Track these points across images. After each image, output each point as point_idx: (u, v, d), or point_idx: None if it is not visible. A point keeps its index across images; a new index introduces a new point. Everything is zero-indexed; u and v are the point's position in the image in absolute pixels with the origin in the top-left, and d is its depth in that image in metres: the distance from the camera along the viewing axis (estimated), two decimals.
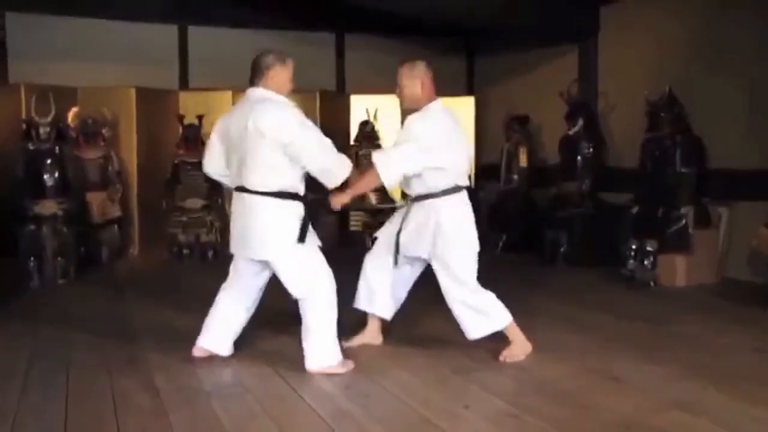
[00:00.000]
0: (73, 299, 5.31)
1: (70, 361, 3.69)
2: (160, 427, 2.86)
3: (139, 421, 2.91)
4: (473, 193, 8.33)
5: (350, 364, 3.52)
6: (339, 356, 3.50)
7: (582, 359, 3.67)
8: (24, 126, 6.11)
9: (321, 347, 3.46)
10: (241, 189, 3.41)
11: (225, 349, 3.68)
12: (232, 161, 3.46)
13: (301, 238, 3.36)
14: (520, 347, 3.72)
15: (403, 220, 3.72)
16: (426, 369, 3.56)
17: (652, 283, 5.55)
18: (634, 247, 5.67)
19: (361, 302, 3.91)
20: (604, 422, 2.84)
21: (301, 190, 3.44)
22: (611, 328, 4.35)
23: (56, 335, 4.24)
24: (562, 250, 6.52)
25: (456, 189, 3.67)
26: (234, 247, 3.55)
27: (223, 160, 3.56)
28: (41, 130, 5.98)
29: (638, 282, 5.57)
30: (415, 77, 3.66)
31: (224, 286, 3.69)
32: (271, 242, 3.37)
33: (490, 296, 3.70)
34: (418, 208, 3.67)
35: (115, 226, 6.82)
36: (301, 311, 3.46)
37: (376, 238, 3.93)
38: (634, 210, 5.82)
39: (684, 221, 5.55)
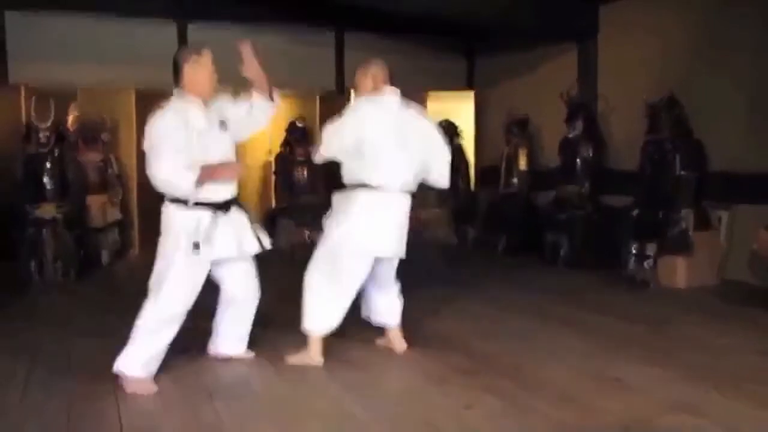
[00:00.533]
0: (73, 302, 5.30)
1: (72, 363, 3.69)
2: (162, 427, 2.86)
3: (141, 422, 2.91)
4: (473, 195, 8.28)
5: (151, 388, 3.27)
6: (145, 371, 3.30)
7: (583, 361, 3.67)
8: (24, 129, 6.11)
9: (128, 351, 3.32)
10: None
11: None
12: None
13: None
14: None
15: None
16: (428, 369, 3.56)
17: (652, 285, 5.55)
18: (634, 249, 5.68)
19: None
20: (605, 423, 2.84)
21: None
22: (612, 329, 4.35)
23: (57, 337, 4.23)
24: (562, 252, 6.52)
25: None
26: None
27: None
28: (41, 134, 5.98)
29: (639, 284, 5.57)
30: (364, 75, 3.91)
31: None
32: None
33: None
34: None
35: (116, 229, 6.82)
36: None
37: None
38: (635, 212, 5.82)
39: (684, 224, 5.56)
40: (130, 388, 3.24)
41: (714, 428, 2.80)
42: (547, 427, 2.81)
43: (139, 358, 3.29)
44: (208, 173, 3.23)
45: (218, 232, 3.31)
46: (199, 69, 3.37)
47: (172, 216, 3.32)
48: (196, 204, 3.28)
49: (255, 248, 3.50)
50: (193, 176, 3.17)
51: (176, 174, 3.18)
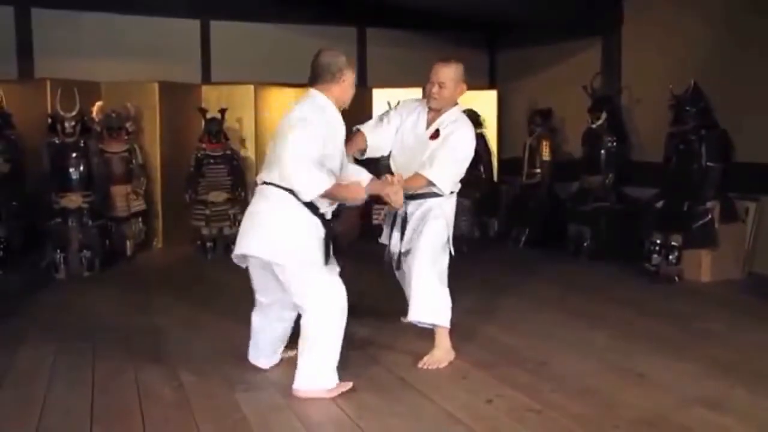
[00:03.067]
0: (98, 292, 5.36)
1: (96, 353, 3.73)
2: (183, 418, 2.89)
3: (162, 412, 2.95)
4: (496, 187, 8.27)
5: (347, 385, 3.18)
6: (335, 378, 3.16)
7: (605, 355, 3.64)
8: (49, 120, 6.18)
9: (318, 366, 3.13)
10: None
11: None
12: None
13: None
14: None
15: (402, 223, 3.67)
16: (448, 364, 3.55)
17: (676, 279, 5.49)
18: (658, 241, 5.60)
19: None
20: (627, 419, 2.82)
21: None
22: (635, 323, 4.31)
23: (82, 328, 4.29)
24: (585, 244, 6.47)
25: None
26: None
27: None
28: (66, 125, 6.04)
29: (663, 277, 5.50)
30: (462, 82, 3.66)
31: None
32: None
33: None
34: (415, 206, 3.65)
35: (140, 220, 6.87)
36: (303, 323, 3.17)
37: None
38: (659, 204, 5.75)
39: (710, 216, 5.48)
40: (333, 393, 3.12)
41: (738, 424, 2.77)
42: (569, 422, 2.79)
43: (332, 366, 3.16)
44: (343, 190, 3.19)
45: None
46: (350, 87, 3.30)
47: (305, 220, 3.14)
48: (316, 210, 3.17)
49: None
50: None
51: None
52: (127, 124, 6.84)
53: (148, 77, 7.29)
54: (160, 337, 4.05)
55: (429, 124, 3.67)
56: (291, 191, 3.08)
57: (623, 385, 3.22)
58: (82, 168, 6.05)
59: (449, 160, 3.56)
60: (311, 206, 3.13)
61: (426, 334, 4.07)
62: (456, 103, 3.70)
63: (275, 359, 3.53)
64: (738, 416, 2.83)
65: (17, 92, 6.91)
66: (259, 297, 3.40)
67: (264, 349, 3.49)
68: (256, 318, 3.46)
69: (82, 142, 6.11)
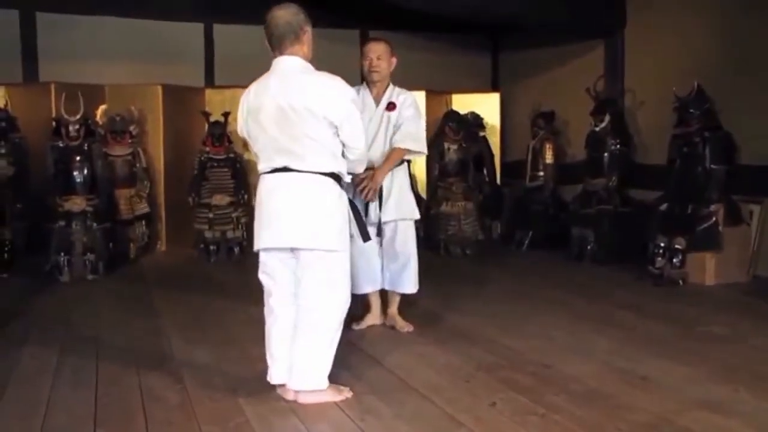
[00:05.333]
0: (101, 295, 5.38)
1: (99, 356, 3.74)
2: (186, 421, 2.89)
3: (165, 414, 2.95)
4: (499, 190, 8.27)
5: (346, 393, 3.10)
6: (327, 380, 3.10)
7: (609, 358, 3.63)
8: (54, 124, 6.20)
9: (317, 366, 3.03)
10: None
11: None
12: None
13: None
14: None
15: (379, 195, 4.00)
16: (451, 367, 3.55)
17: (680, 282, 5.47)
18: (662, 244, 5.58)
19: (360, 288, 4.12)
20: (631, 422, 2.81)
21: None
22: (639, 326, 4.30)
23: (86, 331, 4.30)
24: (588, 247, 6.45)
25: None
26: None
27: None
28: (71, 128, 6.06)
29: (667, 280, 5.48)
30: (393, 56, 4.07)
31: None
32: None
33: None
34: (394, 173, 4.06)
35: (143, 223, 6.89)
36: (308, 318, 3.02)
37: None
38: (663, 207, 5.74)
39: (714, 218, 5.46)
40: (337, 397, 3.05)
41: (743, 428, 2.75)
42: (572, 425, 2.78)
43: (330, 363, 3.07)
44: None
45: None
46: (311, 42, 3.18)
47: (339, 197, 3.01)
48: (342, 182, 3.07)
49: None
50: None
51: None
52: (131, 128, 6.86)
53: (151, 81, 7.32)
54: (164, 340, 4.06)
55: (377, 100, 4.05)
56: (332, 175, 2.97)
57: (627, 388, 3.20)
58: (86, 171, 6.08)
59: (418, 125, 4.05)
60: (340, 181, 3.02)
61: (428, 334, 4.08)
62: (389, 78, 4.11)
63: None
64: (742, 420, 2.82)
65: (22, 95, 6.94)
66: (274, 294, 3.13)
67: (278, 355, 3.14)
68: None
69: (86, 145, 6.13)
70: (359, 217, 3.25)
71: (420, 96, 8.16)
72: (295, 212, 2.94)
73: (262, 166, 3.05)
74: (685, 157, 5.69)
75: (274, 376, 3.13)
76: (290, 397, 3.05)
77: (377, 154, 3.98)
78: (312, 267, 2.98)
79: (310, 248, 2.96)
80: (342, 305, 3.07)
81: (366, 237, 3.31)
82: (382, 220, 4.03)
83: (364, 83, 4.12)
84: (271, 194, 3.00)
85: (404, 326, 4.21)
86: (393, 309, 4.27)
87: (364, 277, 4.13)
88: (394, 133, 3.99)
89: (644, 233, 5.83)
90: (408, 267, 4.14)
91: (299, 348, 3.01)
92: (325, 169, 2.96)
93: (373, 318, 4.28)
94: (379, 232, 4.03)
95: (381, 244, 4.11)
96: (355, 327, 4.20)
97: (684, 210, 5.57)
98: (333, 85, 2.98)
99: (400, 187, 4.08)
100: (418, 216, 4.20)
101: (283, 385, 3.10)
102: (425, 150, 4.14)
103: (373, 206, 4.00)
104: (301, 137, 2.91)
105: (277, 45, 3.02)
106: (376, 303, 4.28)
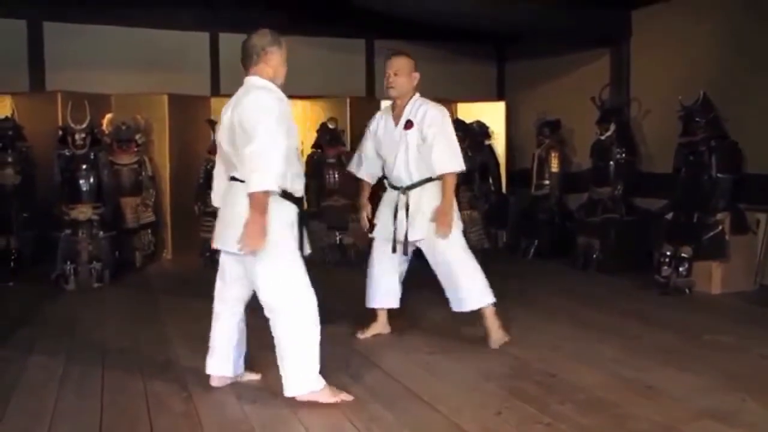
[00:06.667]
0: (107, 303, 5.39)
1: (105, 364, 3.74)
2: (191, 429, 2.89)
3: (171, 423, 2.95)
4: (504, 198, 8.27)
5: (346, 397, 3.17)
6: (322, 381, 3.14)
7: (615, 367, 3.62)
8: (60, 132, 6.23)
9: (300, 369, 3.11)
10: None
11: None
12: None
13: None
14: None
15: (398, 209, 3.97)
16: (457, 375, 3.55)
17: (687, 291, 5.45)
18: (668, 253, 5.57)
19: (372, 301, 4.22)
20: (636, 431, 2.80)
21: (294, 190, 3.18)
22: (645, 335, 4.28)
23: (91, 339, 4.31)
24: (594, 256, 6.44)
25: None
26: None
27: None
28: (77, 137, 6.09)
29: (673, 289, 5.47)
30: (413, 71, 3.99)
31: None
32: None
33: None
34: (421, 192, 3.95)
35: (149, 231, 6.91)
36: (272, 327, 3.15)
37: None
38: (669, 216, 5.72)
39: (720, 227, 5.45)
40: (330, 399, 3.13)
41: None
42: None
43: (315, 367, 3.14)
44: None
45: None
46: (280, 65, 3.34)
47: (279, 207, 3.09)
48: (291, 196, 3.16)
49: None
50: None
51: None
52: (137, 136, 6.89)
53: (157, 89, 7.36)
54: (169, 348, 4.06)
55: (397, 120, 3.99)
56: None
57: (633, 397, 3.19)
58: (92, 180, 6.10)
59: (445, 142, 3.89)
60: (286, 194, 3.12)
61: (433, 342, 4.07)
62: (414, 93, 4.01)
63: (227, 370, 3.36)
64: (749, 429, 2.81)
65: (29, 104, 6.98)
66: (223, 291, 3.43)
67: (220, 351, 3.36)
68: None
69: (92, 154, 6.16)
70: (302, 229, 3.23)
71: None
72: (232, 219, 3.12)
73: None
74: (691, 165, 5.68)
75: (209, 367, 3.37)
76: (216, 383, 3.34)
77: (401, 174, 3.96)
78: (255, 272, 3.13)
79: (240, 252, 3.10)
80: (295, 307, 3.11)
81: (302, 249, 3.21)
82: (411, 238, 3.93)
83: (390, 104, 4.09)
84: (224, 201, 3.26)
85: (495, 341, 3.99)
86: (383, 318, 4.27)
87: (373, 291, 4.17)
88: (419, 153, 3.89)
89: (650, 242, 5.82)
90: (458, 287, 3.96)
91: (278, 355, 3.15)
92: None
93: (379, 327, 4.27)
94: (405, 251, 3.98)
95: (407, 262, 4.14)
96: (360, 335, 4.21)
97: (690, 219, 5.56)
98: (253, 98, 3.09)
99: (429, 204, 3.91)
100: (453, 234, 3.92)
101: (222, 377, 3.36)
102: (461, 166, 3.90)
103: (400, 223, 3.94)
104: (241, 150, 3.03)
105: (244, 65, 3.27)
106: (382, 312, 4.27)
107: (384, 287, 4.17)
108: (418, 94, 4.02)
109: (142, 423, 2.95)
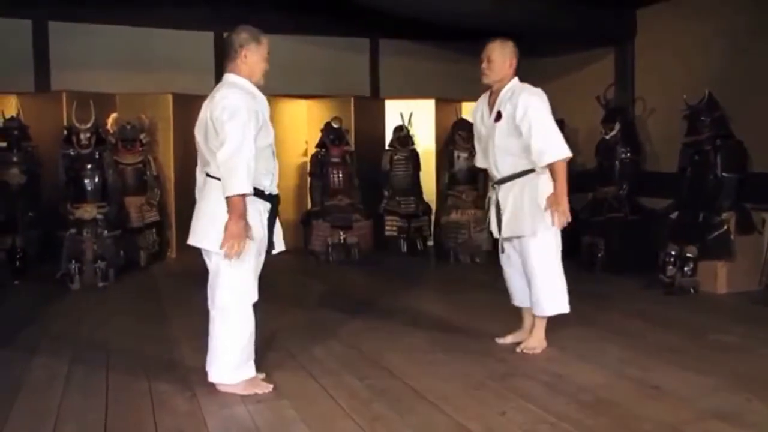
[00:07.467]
0: (112, 302, 5.40)
1: (110, 363, 3.75)
2: (196, 429, 2.89)
3: (175, 422, 2.95)
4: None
5: (264, 387, 3.28)
6: (241, 376, 3.26)
7: (620, 367, 3.61)
8: (65, 132, 6.25)
9: (221, 361, 3.25)
10: None
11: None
12: None
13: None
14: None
15: (489, 205, 3.88)
16: (461, 375, 3.54)
17: (692, 290, 5.44)
18: (673, 253, 5.56)
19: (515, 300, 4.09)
20: (641, 431, 2.79)
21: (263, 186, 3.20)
22: (650, 335, 4.27)
23: (96, 338, 4.31)
24: (599, 255, 6.42)
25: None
26: None
27: None
28: (82, 136, 6.11)
29: (678, 289, 5.46)
30: (512, 57, 3.84)
31: None
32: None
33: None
34: (510, 187, 3.80)
35: (154, 230, 6.92)
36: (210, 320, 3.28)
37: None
38: (674, 215, 5.71)
39: (725, 227, 5.43)
40: (247, 390, 3.23)
41: None
42: None
43: (235, 363, 3.26)
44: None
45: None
46: (257, 63, 3.31)
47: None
48: (262, 194, 3.19)
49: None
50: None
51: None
52: (142, 136, 6.91)
53: (162, 89, 7.37)
54: (174, 348, 4.06)
55: (491, 109, 3.84)
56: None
57: (638, 397, 3.18)
58: (97, 179, 6.12)
59: (541, 132, 3.67)
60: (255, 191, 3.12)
61: (437, 342, 4.06)
62: (512, 78, 3.84)
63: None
64: (754, 430, 2.80)
65: (34, 104, 7.00)
66: None
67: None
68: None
69: (97, 153, 6.18)
70: (272, 226, 3.26)
71: (429, 104, 8.22)
72: (197, 214, 3.24)
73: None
74: (696, 165, 5.67)
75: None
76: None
77: (492, 169, 3.86)
78: (209, 266, 3.24)
79: (196, 246, 3.22)
80: (226, 306, 3.20)
81: (270, 246, 3.26)
82: (498, 236, 3.90)
83: (489, 92, 3.94)
84: (200, 196, 3.28)
85: (526, 347, 3.88)
86: (527, 323, 4.05)
87: (513, 290, 4.08)
88: (507, 146, 3.75)
89: (655, 241, 5.80)
90: (534, 287, 3.85)
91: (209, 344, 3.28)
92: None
93: (520, 335, 4.03)
94: (503, 249, 3.94)
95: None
96: (498, 340, 4.05)
97: (695, 218, 5.54)
98: (221, 96, 3.12)
99: (514, 202, 3.78)
100: (540, 232, 3.79)
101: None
102: (566, 152, 3.75)
103: (493, 222, 3.89)
104: (211, 146, 3.11)
105: (224, 62, 3.33)
106: (526, 320, 4.05)
107: (512, 286, 4.06)
108: (516, 80, 3.84)
109: (147, 422, 2.95)
